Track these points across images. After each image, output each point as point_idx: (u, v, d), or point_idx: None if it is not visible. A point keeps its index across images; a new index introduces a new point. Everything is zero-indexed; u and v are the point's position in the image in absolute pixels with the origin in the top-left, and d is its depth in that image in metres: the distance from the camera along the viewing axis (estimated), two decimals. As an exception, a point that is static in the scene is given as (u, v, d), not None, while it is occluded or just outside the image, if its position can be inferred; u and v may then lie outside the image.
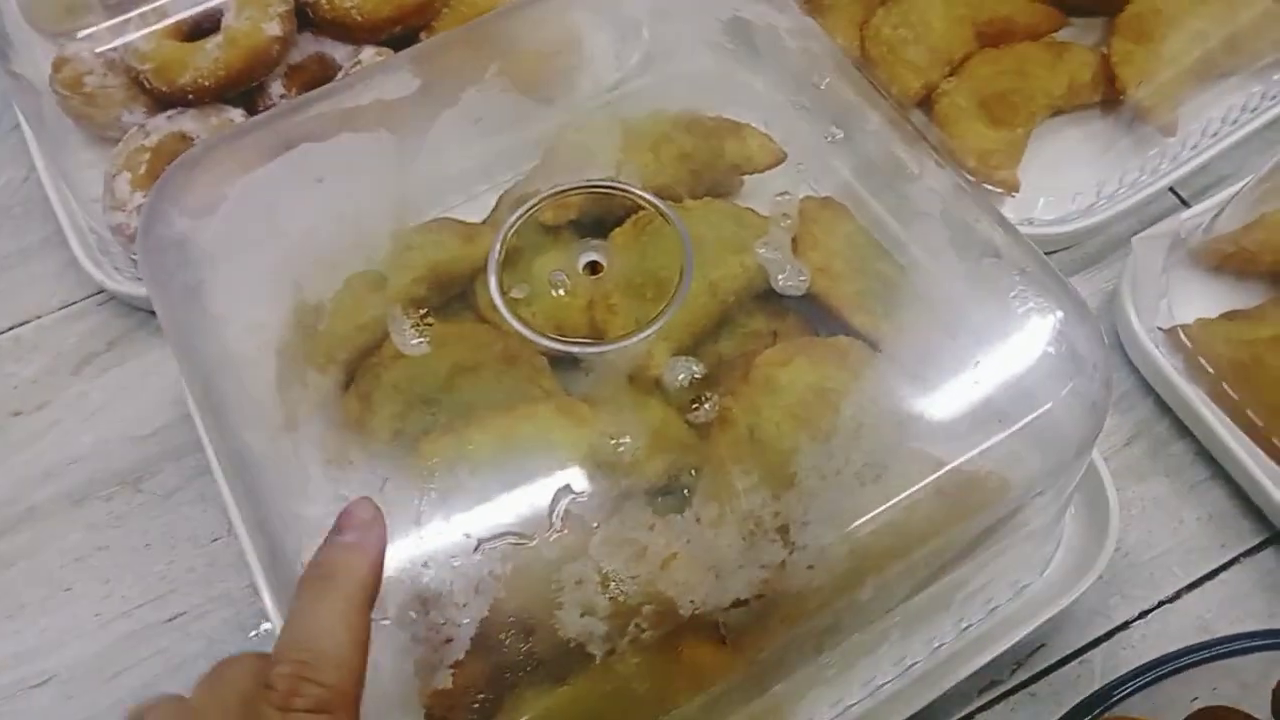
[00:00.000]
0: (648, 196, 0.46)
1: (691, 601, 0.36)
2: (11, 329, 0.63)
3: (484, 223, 0.50)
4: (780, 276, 0.45)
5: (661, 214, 0.46)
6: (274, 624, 0.49)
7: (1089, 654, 0.51)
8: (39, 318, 0.63)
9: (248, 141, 0.50)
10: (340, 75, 0.65)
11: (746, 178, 0.53)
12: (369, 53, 0.65)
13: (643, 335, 0.43)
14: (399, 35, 0.67)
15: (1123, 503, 0.51)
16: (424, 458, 0.40)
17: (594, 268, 0.46)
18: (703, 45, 0.54)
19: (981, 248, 0.44)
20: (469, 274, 0.47)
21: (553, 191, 0.47)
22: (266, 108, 0.64)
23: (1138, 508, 0.55)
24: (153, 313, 0.61)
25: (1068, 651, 0.51)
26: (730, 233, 0.48)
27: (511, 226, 0.46)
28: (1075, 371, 0.41)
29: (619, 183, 0.47)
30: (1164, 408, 0.57)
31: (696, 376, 0.42)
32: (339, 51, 0.66)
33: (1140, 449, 0.57)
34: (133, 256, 0.61)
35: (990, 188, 0.63)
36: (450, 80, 0.51)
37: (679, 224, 0.46)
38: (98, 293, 0.64)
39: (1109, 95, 0.66)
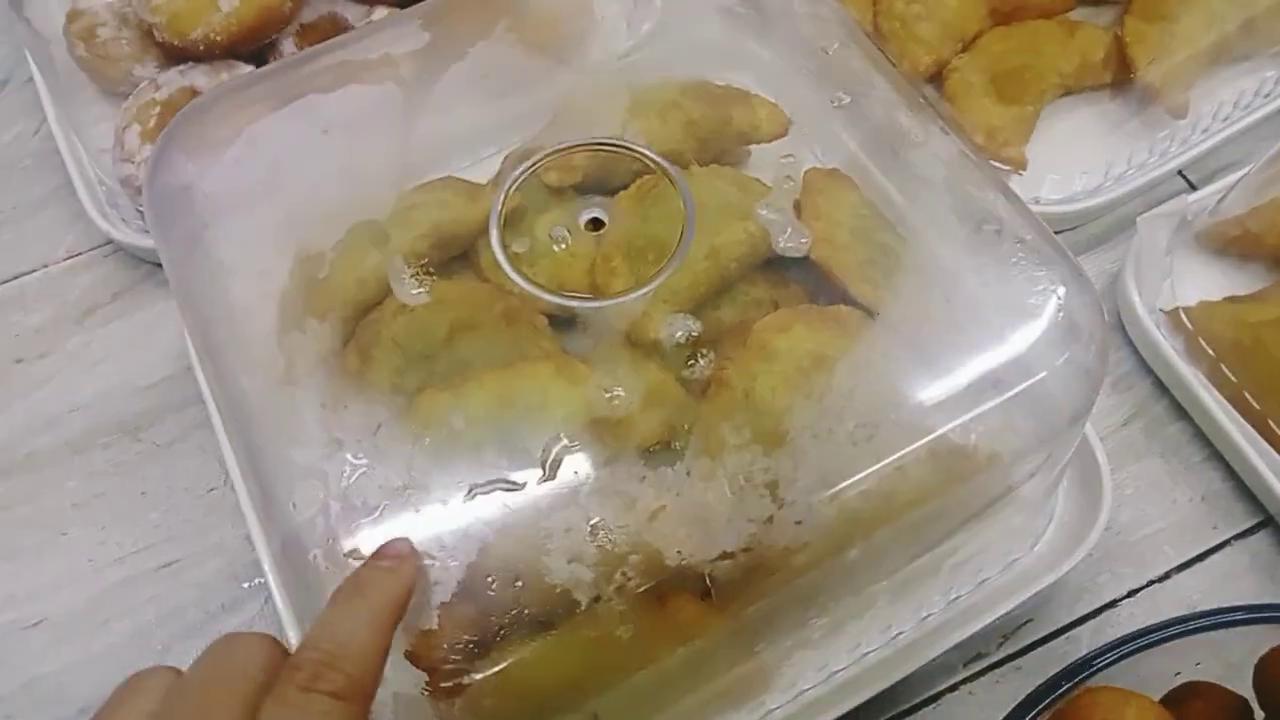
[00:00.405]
0: (651, 155, 0.46)
1: (679, 553, 0.36)
2: (17, 278, 0.63)
3: (489, 184, 0.50)
4: (781, 238, 0.45)
5: (666, 174, 0.46)
6: (269, 578, 0.49)
7: (1076, 630, 0.51)
8: (45, 267, 0.64)
9: (256, 91, 0.50)
10: (351, 34, 0.65)
11: (754, 148, 0.52)
12: (381, 12, 0.66)
13: (641, 292, 0.43)
14: (411, -4, 0.67)
15: (1117, 481, 0.51)
16: (420, 410, 0.41)
17: (596, 225, 0.46)
18: (714, 11, 0.54)
19: (983, 215, 0.44)
20: (471, 235, 0.47)
21: (557, 148, 0.47)
22: (277, 65, 0.65)
23: (1132, 487, 0.55)
24: (159, 265, 0.62)
25: (1055, 627, 0.51)
26: (735, 199, 0.48)
27: (514, 182, 0.46)
28: (1072, 341, 0.41)
29: (623, 141, 0.47)
30: (1162, 388, 0.57)
31: (693, 334, 0.42)
32: (351, 11, 0.66)
33: (1137, 429, 0.57)
34: (140, 209, 0.62)
35: (998, 165, 0.63)
36: (459, 35, 0.51)
37: (682, 184, 0.45)
38: (105, 244, 0.64)
39: (1120, 76, 0.65)
